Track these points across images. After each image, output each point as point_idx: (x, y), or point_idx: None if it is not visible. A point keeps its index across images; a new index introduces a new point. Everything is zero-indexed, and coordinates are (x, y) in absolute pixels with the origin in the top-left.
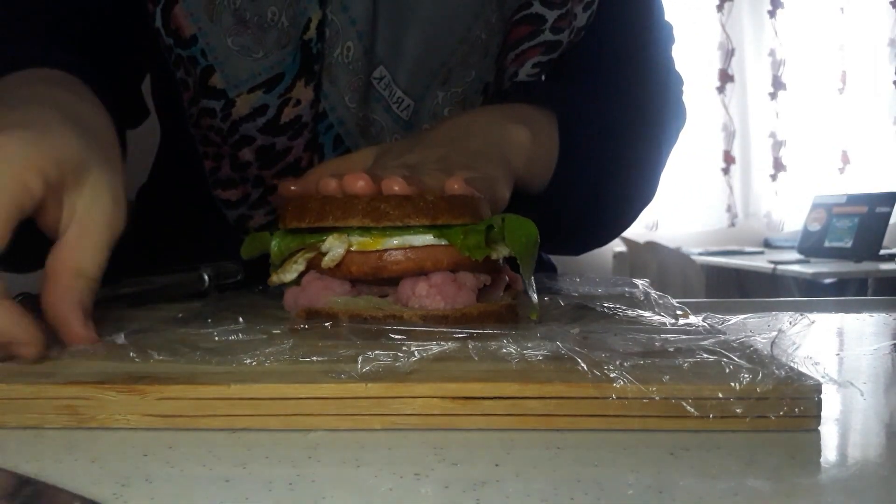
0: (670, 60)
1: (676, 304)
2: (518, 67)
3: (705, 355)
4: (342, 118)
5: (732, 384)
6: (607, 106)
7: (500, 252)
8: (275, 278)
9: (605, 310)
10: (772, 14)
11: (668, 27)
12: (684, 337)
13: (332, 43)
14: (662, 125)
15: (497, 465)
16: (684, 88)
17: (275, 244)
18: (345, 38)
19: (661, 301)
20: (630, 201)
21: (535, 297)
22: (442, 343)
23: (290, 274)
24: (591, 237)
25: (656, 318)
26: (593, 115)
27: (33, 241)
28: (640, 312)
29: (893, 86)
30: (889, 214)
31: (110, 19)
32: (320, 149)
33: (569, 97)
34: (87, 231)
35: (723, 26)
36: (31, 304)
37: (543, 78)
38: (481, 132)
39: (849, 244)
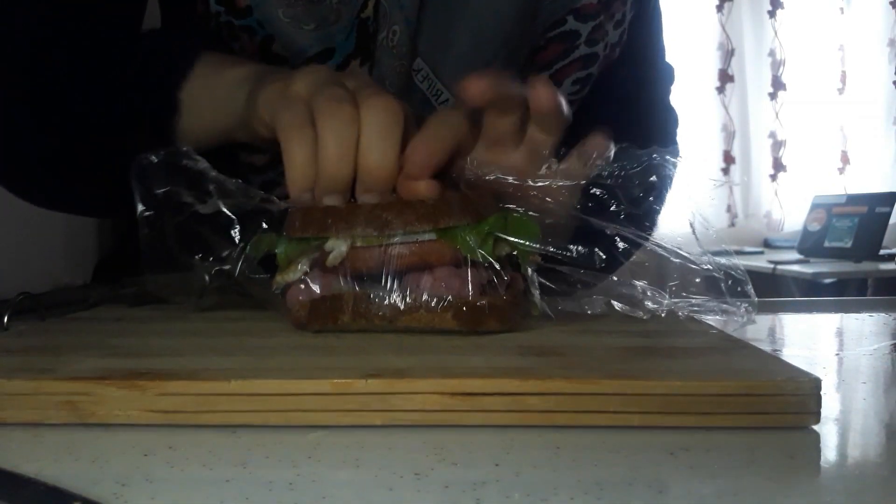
0: (669, 100)
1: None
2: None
3: (704, 354)
4: None
5: (732, 382)
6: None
7: (503, 250)
8: (279, 279)
9: (605, 307)
10: (771, 14)
11: (670, 68)
12: (682, 335)
13: (379, 25)
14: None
15: (497, 465)
16: (679, 130)
17: (280, 250)
18: (392, 22)
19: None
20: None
21: (537, 293)
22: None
23: (293, 274)
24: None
25: (654, 315)
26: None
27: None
28: (640, 311)
29: (893, 86)
30: (889, 214)
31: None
32: None
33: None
34: None
35: (722, 26)
36: (31, 303)
37: (585, 94)
38: None
39: (848, 244)
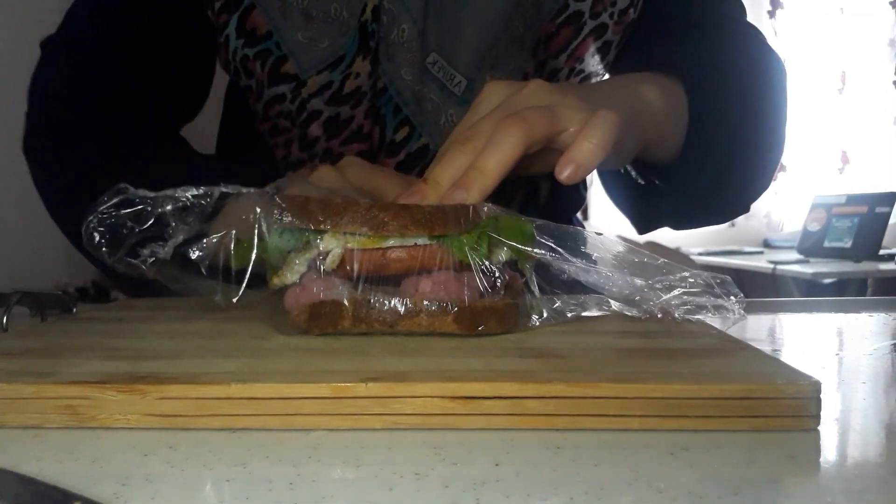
0: (740, 10)
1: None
2: (576, 63)
3: (703, 355)
4: (399, 89)
5: (732, 385)
6: (721, 58)
7: (498, 254)
8: (276, 280)
9: (604, 308)
10: (771, 14)
11: None
12: (682, 336)
13: (389, 26)
14: (769, 68)
15: (497, 465)
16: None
17: (271, 243)
18: (400, 22)
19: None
20: (766, 152)
21: (535, 294)
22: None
23: (292, 275)
24: (734, 199)
25: (652, 316)
26: (712, 68)
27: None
28: (636, 309)
29: (893, 86)
30: (889, 214)
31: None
32: (382, 119)
33: (685, 56)
34: None
35: None
36: (29, 302)
37: (613, 58)
38: (609, 91)
39: (848, 244)
